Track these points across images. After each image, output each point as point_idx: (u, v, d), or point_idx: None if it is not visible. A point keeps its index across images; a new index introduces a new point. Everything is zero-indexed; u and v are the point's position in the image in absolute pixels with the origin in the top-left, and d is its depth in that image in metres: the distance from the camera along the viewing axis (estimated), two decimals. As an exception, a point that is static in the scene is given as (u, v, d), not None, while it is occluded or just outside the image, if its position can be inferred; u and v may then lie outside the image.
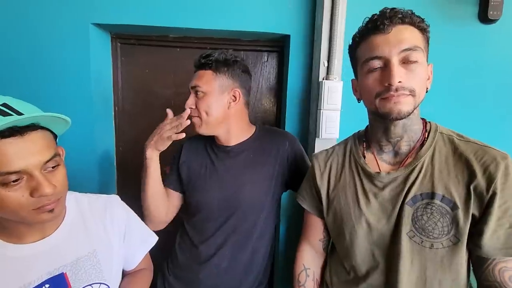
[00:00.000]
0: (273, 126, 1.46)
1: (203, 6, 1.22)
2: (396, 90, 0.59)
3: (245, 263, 0.92)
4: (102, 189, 1.34)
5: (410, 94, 0.60)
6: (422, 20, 0.62)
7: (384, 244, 0.67)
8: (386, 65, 0.60)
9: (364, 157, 0.73)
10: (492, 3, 1.23)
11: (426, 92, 0.65)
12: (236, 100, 0.92)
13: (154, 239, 0.85)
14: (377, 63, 0.61)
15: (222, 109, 0.90)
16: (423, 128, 0.69)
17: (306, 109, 1.28)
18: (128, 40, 1.36)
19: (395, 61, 0.59)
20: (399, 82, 0.58)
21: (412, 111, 0.62)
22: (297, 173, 0.96)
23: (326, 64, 1.16)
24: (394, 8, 0.61)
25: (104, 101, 1.33)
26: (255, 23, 1.24)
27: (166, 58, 1.39)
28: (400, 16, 0.60)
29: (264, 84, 1.44)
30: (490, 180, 0.58)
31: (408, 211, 0.64)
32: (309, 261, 0.83)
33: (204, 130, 0.91)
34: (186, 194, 0.97)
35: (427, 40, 0.64)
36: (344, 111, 1.18)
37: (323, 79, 1.16)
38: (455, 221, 0.60)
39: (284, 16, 1.24)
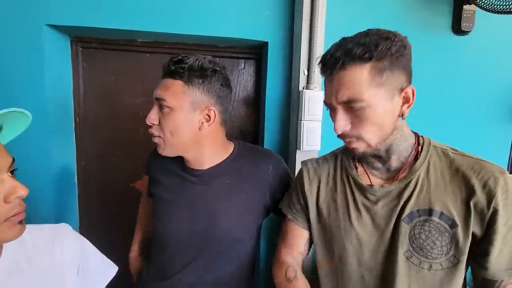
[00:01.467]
0: (252, 136, 1.39)
1: (174, 9, 1.13)
2: (344, 137, 0.60)
3: None
4: (61, 211, 1.19)
5: (358, 140, 0.59)
6: (373, 49, 0.53)
7: (377, 264, 0.62)
8: (333, 111, 0.60)
9: (356, 168, 0.69)
10: (464, 15, 1.25)
11: (402, 118, 0.61)
12: (210, 120, 0.75)
13: (114, 269, 0.74)
14: (329, 107, 0.62)
15: (192, 130, 0.74)
16: (415, 143, 0.65)
17: (286, 120, 1.22)
18: (91, 44, 1.23)
19: (339, 109, 0.58)
20: (343, 131, 0.59)
21: (373, 149, 0.60)
22: (280, 197, 0.84)
23: (306, 73, 1.11)
24: (337, 50, 0.56)
25: (62, 110, 1.19)
26: (231, 28, 1.17)
27: (134, 64, 1.27)
28: (341, 62, 0.55)
29: (241, 92, 1.37)
30: (490, 196, 0.55)
31: (404, 228, 0.60)
32: (293, 263, 0.75)
33: (168, 153, 0.75)
34: (153, 222, 0.84)
35: (395, 66, 0.55)
36: (326, 121, 1.13)
37: (303, 89, 1.11)
38: (454, 240, 0.57)
39: (262, 22, 1.18)
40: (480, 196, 0.56)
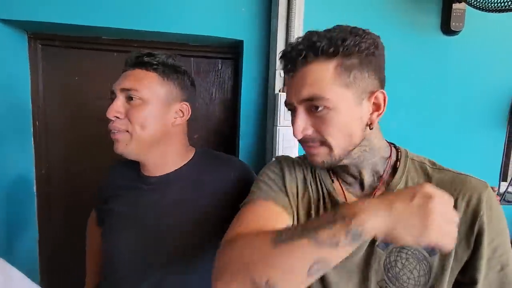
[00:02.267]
0: (228, 141, 1.30)
1: (142, 4, 1.04)
2: (305, 141, 0.53)
3: None
4: (18, 225, 1.09)
5: (322, 145, 0.51)
6: (340, 44, 0.47)
7: None
8: (293, 112, 0.53)
9: (332, 181, 0.60)
10: (454, 14, 1.18)
11: (370, 128, 0.53)
12: (183, 116, 0.73)
13: None
14: (290, 108, 0.54)
15: (163, 125, 0.70)
16: (390, 156, 0.57)
17: (262, 125, 1.14)
18: (52, 41, 1.13)
19: (300, 110, 0.51)
20: (305, 134, 0.52)
21: (337, 161, 0.52)
22: None
23: (282, 75, 1.02)
24: (300, 43, 0.49)
25: (18, 113, 1.09)
26: (204, 26, 1.08)
27: (100, 64, 1.18)
28: (303, 54, 0.48)
29: (218, 94, 1.28)
30: (474, 215, 0.49)
31: (379, 255, 0.52)
32: None
33: (132, 150, 0.68)
34: (102, 240, 0.76)
35: (365, 66, 0.49)
36: (304, 127, 1.05)
37: (279, 91, 1.02)
38: (433, 269, 0.50)
39: (237, 20, 1.09)
40: (463, 217, 0.49)
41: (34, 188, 1.16)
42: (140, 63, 0.69)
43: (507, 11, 0.99)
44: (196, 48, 1.20)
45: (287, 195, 0.58)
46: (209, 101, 1.28)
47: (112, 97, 0.69)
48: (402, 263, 0.50)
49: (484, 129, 1.30)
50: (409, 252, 0.50)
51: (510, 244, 0.51)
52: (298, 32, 1.00)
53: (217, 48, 1.20)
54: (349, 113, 0.49)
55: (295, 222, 0.58)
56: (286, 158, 0.66)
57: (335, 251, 0.38)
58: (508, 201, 1.40)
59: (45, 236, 1.19)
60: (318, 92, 0.48)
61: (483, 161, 1.31)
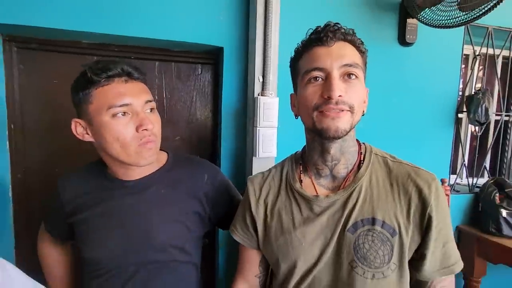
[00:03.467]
0: (209, 143, 1.36)
1: (123, 10, 1.07)
2: (336, 103, 0.57)
3: None
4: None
5: (349, 110, 0.58)
6: (362, 43, 0.63)
7: (324, 275, 0.62)
8: (327, 78, 0.58)
9: (301, 181, 0.69)
10: (408, 28, 1.35)
11: (363, 115, 0.64)
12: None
13: None
14: (318, 74, 0.59)
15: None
16: (359, 150, 0.67)
17: (243, 126, 1.21)
18: (28, 44, 1.12)
19: (335, 74, 0.58)
20: (339, 96, 0.57)
21: (349, 131, 0.60)
22: (221, 209, 0.84)
23: (261, 79, 1.11)
24: (338, 23, 0.61)
25: (-8, 117, 1.06)
26: (185, 33, 1.13)
27: (79, 67, 1.17)
28: (343, 32, 0.60)
29: (198, 98, 1.33)
30: (425, 203, 0.59)
31: (348, 238, 0.60)
32: None
33: (154, 158, 0.73)
34: (80, 248, 0.76)
35: (364, 63, 0.64)
36: (282, 128, 1.14)
37: (258, 95, 1.10)
38: (395, 249, 0.59)
39: (216, 27, 1.16)
40: (417, 204, 0.59)
41: (10, 193, 1.13)
42: (129, 74, 0.70)
43: (450, 28, 1.17)
44: (177, 54, 1.24)
45: (255, 228, 0.70)
46: (190, 104, 1.33)
47: (124, 111, 0.67)
48: (369, 244, 0.59)
49: (435, 128, 1.48)
50: (374, 235, 0.59)
51: (450, 225, 0.62)
52: (274, 40, 1.09)
53: (197, 53, 1.26)
54: (363, 91, 0.62)
55: (267, 230, 0.68)
56: (254, 181, 0.73)
57: None
58: (457, 191, 1.60)
59: (22, 243, 1.16)
60: (357, 61, 0.59)
61: (435, 156, 1.50)
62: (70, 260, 0.96)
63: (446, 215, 0.61)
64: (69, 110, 1.18)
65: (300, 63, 0.64)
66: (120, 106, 0.66)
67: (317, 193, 0.66)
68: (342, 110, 0.57)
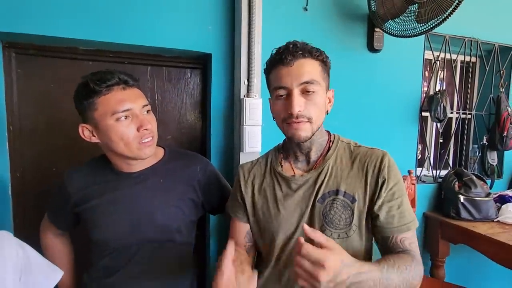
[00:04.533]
0: (200, 141, 1.47)
1: (119, 19, 1.17)
2: (297, 117, 0.70)
3: None
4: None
5: (308, 121, 0.71)
6: (320, 53, 0.72)
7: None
8: (289, 95, 0.70)
9: (282, 166, 0.83)
10: (375, 36, 1.52)
11: (327, 114, 0.77)
12: None
13: (60, 273, 0.76)
14: (282, 92, 0.71)
15: None
16: (328, 139, 0.82)
17: (230, 125, 1.33)
18: (26, 50, 1.19)
19: (296, 92, 0.69)
20: (299, 111, 0.69)
21: (311, 136, 0.73)
22: (212, 196, 0.96)
23: (246, 83, 1.23)
24: (297, 44, 0.71)
25: (-8, 119, 1.13)
26: (176, 40, 1.24)
27: (76, 72, 1.24)
28: (300, 52, 0.70)
29: (188, 99, 1.44)
30: (378, 172, 0.73)
31: (318, 208, 0.74)
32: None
33: (153, 151, 0.85)
34: (90, 232, 0.86)
35: (327, 70, 0.75)
36: (265, 126, 1.27)
37: (244, 97, 1.23)
38: (355, 213, 0.72)
39: (205, 35, 1.27)
40: (372, 174, 0.73)
41: (9, 191, 1.19)
42: (126, 82, 0.80)
43: (410, 37, 1.34)
44: (168, 59, 1.35)
45: (244, 204, 0.83)
46: (180, 106, 1.43)
47: (126, 115, 0.78)
48: (334, 210, 0.73)
49: (402, 125, 1.67)
50: (338, 202, 0.73)
51: (404, 192, 0.74)
52: (257, 47, 1.23)
53: (187, 59, 1.37)
54: (323, 99, 0.73)
55: (254, 205, 0.82)
56: (244, 167, 0.88)
57: None
58: (423, 181, 1.79)
59: (21, 237, 1.21)
60: (314, 77, 0.69)
61: (403, 150, 1.68)
62: (72, 250, 1.04)
63: (398, 182, 0.73)
64: (65, 113, 1.27)
65: (270, 77, 0.76)
66: (123, 111, 0.77)
67: (294, 174, 0.79)
68: (301, 122, 0.70)
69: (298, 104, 0.69)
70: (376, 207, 0.72)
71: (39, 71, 1.22)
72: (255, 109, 1.22)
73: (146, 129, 0.80)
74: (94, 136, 0.82)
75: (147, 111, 0.84)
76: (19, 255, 0.67)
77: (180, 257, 0.91)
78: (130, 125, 0.79)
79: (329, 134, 0.83)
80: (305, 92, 0.70)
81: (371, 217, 0.74)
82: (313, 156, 0.79)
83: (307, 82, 0.69)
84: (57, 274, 0.75)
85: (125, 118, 0.78)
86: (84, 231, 0.87)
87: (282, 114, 0.72)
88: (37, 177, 1.25)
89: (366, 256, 0.75)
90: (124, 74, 0.81)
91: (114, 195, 0.84)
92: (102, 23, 1.15)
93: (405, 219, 0.72)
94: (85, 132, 0.82)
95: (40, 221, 1.02)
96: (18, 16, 1.06)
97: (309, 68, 0.70)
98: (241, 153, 1.24)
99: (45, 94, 1.24)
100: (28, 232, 1.23)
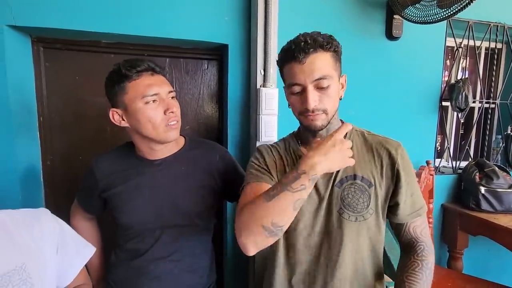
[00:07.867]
0: (217, 131, 1.50)
1: (138, 12, 1.20)
2: (312, 111, 0.72)
3: (187, 273, 0.92)
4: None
5: (323, 113, 0.73)
6: (331, 43, 0.71)
7: (318, 222, 0.77)
8: (303, 91, 0.72)
9: (299, 149, 0.84)
10: (394, 24, 1.48)
11: (340, 99, 0.78)
12: None
13: (92, 249, 0.82)
14: (296, 88, 0.73)
15: None
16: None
17: (247, 115, 1.35)
18: (53, 44, 1.25)
19: (310, 88, 0.70)
20: (314, 106, 0.71)
21: (327, 124, 0.75)
22: (230, 183, 0.98)
23: (262, 73, 1.25)
24: (307, 40, 0.69)
25: (25, 111, 1.20)
26: (194, 32, 1.27)
27: (99, 64, 1.31)
28: (311, 48, 0.69)
29: (205, 90, 1.47)
30: (393, 162, 0.76)
31: (337, 192, 0.76)
32: None
33: (178, 135, 0.88)
34: (116, 216, 0.91)
35: (338, 57, 0.75)
36: (281, 115, 1.28)
37: (260, 87, 1.24)
38: (371, 197, 0.75)
39: (222, 26, 1.29)
40: (387, 163, 0.76)
41: (41, 177, 1.27)
42: (153, 69, 0.84)
43: (431, 23, 1.30)
44: (186, 51, 1.38)
45: (269, 172, 0.82)
46: (198, 97, 1.47)
47: (154, 99, 0.81)
48: (352, 194, 0.75)
49: (420, 115, 1.63)
50: (356, 187, 0.75)
51: (415, 180, 0.78)
52: (274, 38, 1.23)
53: (204, 50, 1.40)
54: (336, 88, 0.73)
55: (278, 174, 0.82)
56: (264, 146, 0.89)
57: (304, 191, 0.62)
58: (442, 172, 1.76)
59: (52, 222, 1.31)
60: (326, 72, 0.69)
61: (421, 141, 1.65)
62: (100, 233, 1.11)
63: (410, 172, 0.77)
64: (90, 103, 1.33)
65: (284, 71, 0.77)
66: (151, 95, 0.81)
67: None
68: (317, 114, 0.72)
69: (313, 99, 0.70)
70: (393, 197, 0.75)
71: (65, 65, 1.28)
72: (271, 99, 1.23)
73: (172, 112, 0.84)
74: (124, 120, 0.85)
75: (172, 97, 0.87)
76: (56, 230, 0.73)
77: (201, 240, 0.95)
78: (158, 108, 0.83)
79: (342, 123, 0.84)
80: (319, 87, 0.71)
81: (388, 205, 0.76)
82: None
83: (320, 79, 0.70)
84: (90, 249, 0.81)
85: (153, 102, 0.82)
86: (111, 215, 0.92)
87: (298, 108, 0.74)
88: (65, 166, 1.33)
89: (380, 238, 0.79)
90: (152, 62, 0.85)
91: (138, 181, 0.89)
92: (123, 17, 1.19)
93: (416, 205, 0.77)
94: (115, 116, 0.86)
95: (69, 206, 1.09)
96: (45, 11, 1.11)
97: (320, 64, 0.70)
98: (257, 142, 1.26)
99: (71, 87, 1.30)
100: (59, 216, 1.33)
